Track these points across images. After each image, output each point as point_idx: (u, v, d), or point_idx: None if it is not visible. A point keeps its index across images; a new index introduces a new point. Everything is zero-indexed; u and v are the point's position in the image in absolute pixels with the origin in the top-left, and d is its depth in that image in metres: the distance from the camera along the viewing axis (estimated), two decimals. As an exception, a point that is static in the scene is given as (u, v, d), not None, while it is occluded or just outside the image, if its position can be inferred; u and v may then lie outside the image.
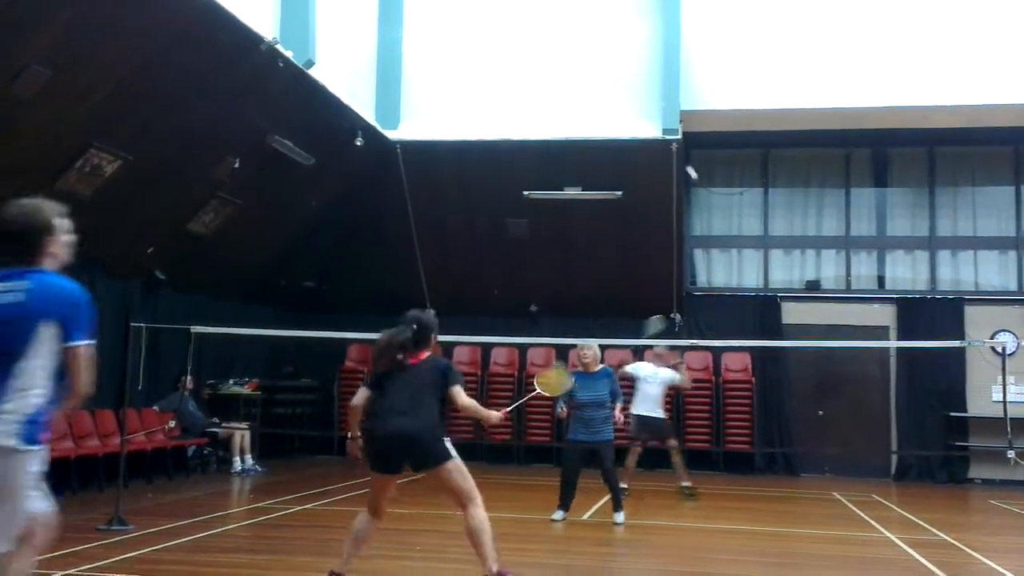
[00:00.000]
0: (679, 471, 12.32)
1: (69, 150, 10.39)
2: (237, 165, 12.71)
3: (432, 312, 6.63)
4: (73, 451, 11.17)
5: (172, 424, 11.49)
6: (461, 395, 6.13)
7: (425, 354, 6.30)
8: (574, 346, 16.44)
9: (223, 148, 12.55)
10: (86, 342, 4.16)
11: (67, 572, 6.76)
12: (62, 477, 10.96)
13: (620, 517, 9.93)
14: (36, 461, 4.13)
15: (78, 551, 7.51)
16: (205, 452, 14.12)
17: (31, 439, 4.08)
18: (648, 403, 11.89)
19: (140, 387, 11.58)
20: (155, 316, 12.65)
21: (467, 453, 6.24)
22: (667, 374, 12.13)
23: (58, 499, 10.21)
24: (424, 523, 9.86)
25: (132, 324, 10.98)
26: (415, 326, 6.30)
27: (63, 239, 4.32)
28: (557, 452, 16.59)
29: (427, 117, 15.75)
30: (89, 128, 10.36)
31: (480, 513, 6.06)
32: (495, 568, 5.97)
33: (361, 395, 6.21)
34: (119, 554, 7.49)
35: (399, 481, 6.18)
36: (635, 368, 12.14)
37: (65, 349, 4.13)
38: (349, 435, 6.32)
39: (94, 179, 10.86)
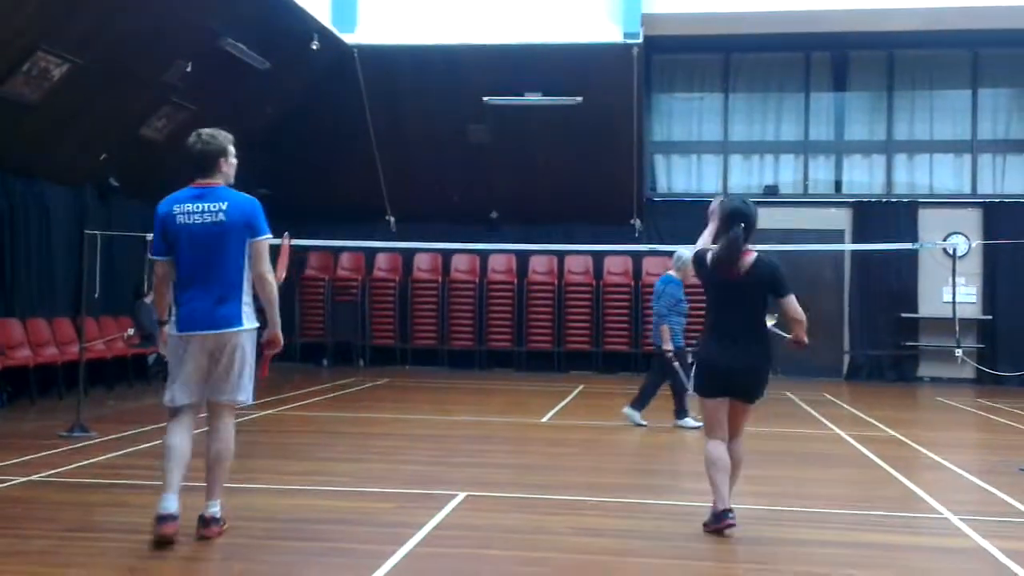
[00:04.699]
0: None
1: (15, 53, 10.11)
2: (189, 69, 12.44)
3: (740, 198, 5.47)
4: (31, 359, 11.15)
5: (131, 332, 11.45)
6: (792, 304, 5.64)
7: (751, 255, 5.61)
8: (535, 252, 16.67)
9: (174, 51, 12.26)
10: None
11: (29, 478, 6.82)
12: (21, 385, 10.97)
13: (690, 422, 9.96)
14: None
15: (40, 457, 7.57)
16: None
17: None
18: None
19: (97, 295, 11.49)
20: (110, 223, 12.51)
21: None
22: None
23: (18, 406, 10.20)
24: (381, 426, 10.01)
25: (86, 231, 10.85)
26: (743, 224, 5.48)
27: (232, 161, 5.46)
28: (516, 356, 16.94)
29: (385, 20, 15.47)
30: (35, 30, 10.07)
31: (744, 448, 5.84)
32: (723, 506, 5.54)
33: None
34: (81, 459, 7.55)
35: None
36: None
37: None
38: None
39: (42, 83, 10.60)
